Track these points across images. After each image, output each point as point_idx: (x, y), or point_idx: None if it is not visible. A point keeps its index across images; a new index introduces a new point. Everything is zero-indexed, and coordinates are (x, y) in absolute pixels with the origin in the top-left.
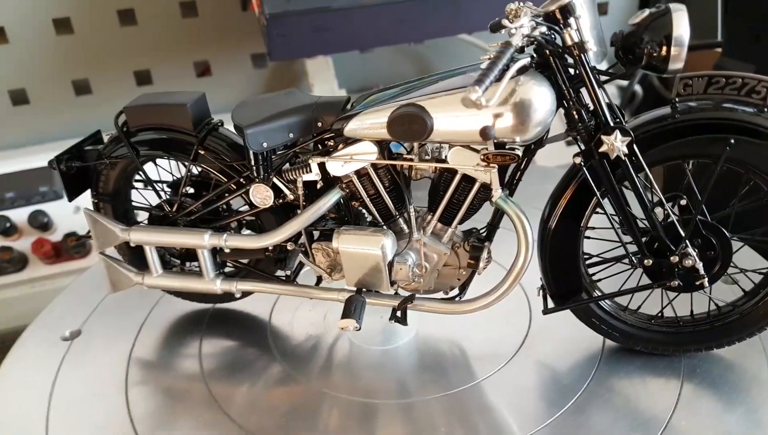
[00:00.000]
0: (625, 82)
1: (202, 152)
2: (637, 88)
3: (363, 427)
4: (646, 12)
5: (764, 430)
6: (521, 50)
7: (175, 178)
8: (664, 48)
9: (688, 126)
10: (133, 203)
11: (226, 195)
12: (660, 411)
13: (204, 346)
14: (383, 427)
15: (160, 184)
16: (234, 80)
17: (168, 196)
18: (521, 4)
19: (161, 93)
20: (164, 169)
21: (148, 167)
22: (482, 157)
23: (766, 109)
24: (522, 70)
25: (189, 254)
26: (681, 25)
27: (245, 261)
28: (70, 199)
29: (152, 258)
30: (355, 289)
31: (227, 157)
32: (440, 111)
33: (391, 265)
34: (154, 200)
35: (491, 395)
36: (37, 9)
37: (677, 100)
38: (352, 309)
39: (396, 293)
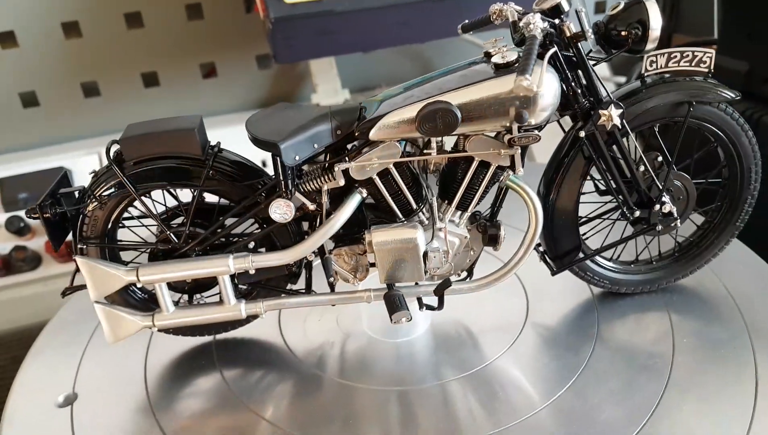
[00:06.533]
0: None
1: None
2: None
3: (403, 412)
4: (621, 4)
5: (743, 334)
6: (519, 43)
7: (167, 208)
8: (642, 31)
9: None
10: (122, 242)
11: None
12: (662, 338)
13: (226, 373)
14: (420, 409)
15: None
16: (240, 81)
17: (158, 230)
18: (504, 5)
19: (154, 120)
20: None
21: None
22: (507, 140)
23: (710, 75)
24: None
25: (198, 286)
26: (654, 11)
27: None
28: (57, 249)
29: (164, 296)
30: (384, 285)
31: (237, 178)
32: (467, 103)
33: (425, 255)
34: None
35: (512, 368)
36: (45, 13)
37: (645, 74)
38: (397, 303)
39: (416, 284)
